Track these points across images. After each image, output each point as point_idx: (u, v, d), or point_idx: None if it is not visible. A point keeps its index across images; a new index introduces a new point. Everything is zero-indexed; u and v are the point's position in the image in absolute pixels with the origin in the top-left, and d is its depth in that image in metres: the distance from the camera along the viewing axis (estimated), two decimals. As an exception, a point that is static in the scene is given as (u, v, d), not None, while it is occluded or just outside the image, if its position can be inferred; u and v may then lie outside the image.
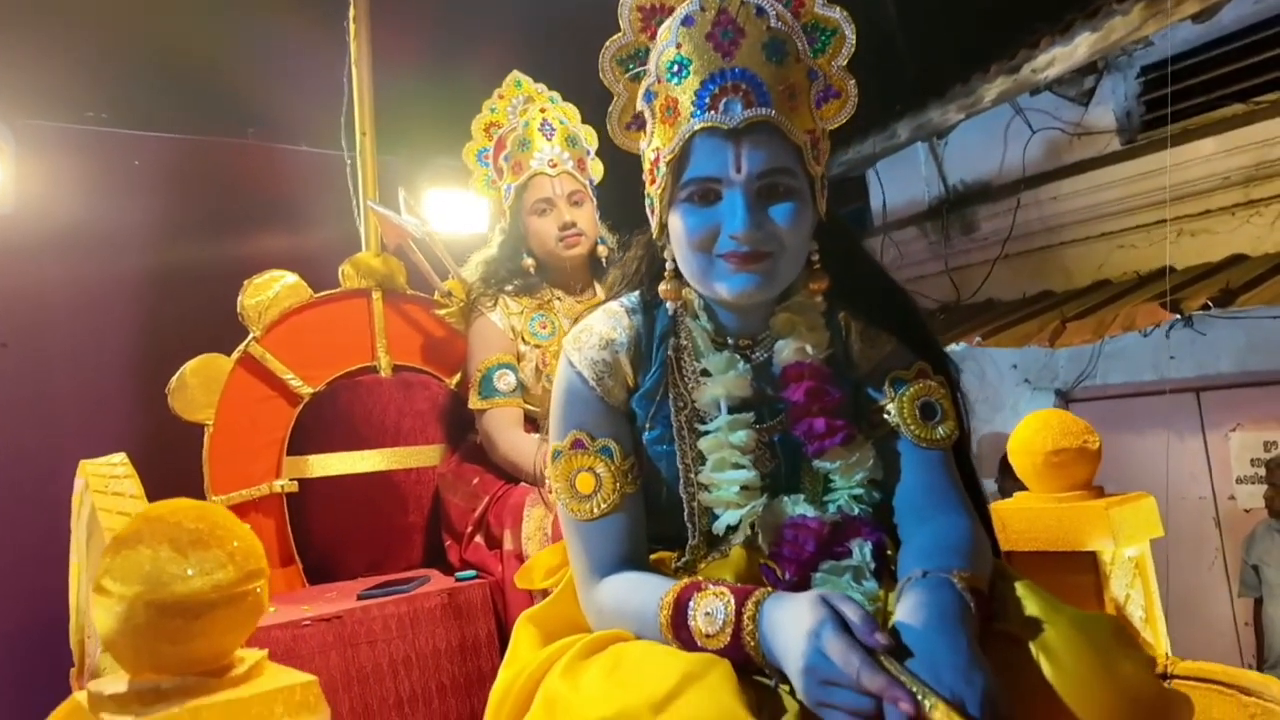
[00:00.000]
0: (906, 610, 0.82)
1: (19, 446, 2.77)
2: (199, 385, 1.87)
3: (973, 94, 4.19)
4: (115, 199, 3.11)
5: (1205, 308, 3.23)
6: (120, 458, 1.43)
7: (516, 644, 1.05)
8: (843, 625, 0.77)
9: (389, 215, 2.01)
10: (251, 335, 1.94)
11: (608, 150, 2.16)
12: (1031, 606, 0.89)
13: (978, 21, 4.08)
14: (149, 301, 2.92)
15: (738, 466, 1.04)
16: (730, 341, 1.10)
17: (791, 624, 0.81)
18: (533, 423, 1.96)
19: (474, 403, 1.90)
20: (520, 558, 1.67)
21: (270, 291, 1.97)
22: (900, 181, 5.20)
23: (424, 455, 2.07)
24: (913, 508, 1.03)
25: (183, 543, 0.70)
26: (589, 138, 2.13)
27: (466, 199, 3.85)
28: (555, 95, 2.19)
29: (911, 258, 5.32)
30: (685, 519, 1.06)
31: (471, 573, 1.73)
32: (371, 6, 2.22)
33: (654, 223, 1.08)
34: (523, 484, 1.82)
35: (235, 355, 1.92)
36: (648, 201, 1.09)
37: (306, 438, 1.97)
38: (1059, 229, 4.71)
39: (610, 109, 1.15)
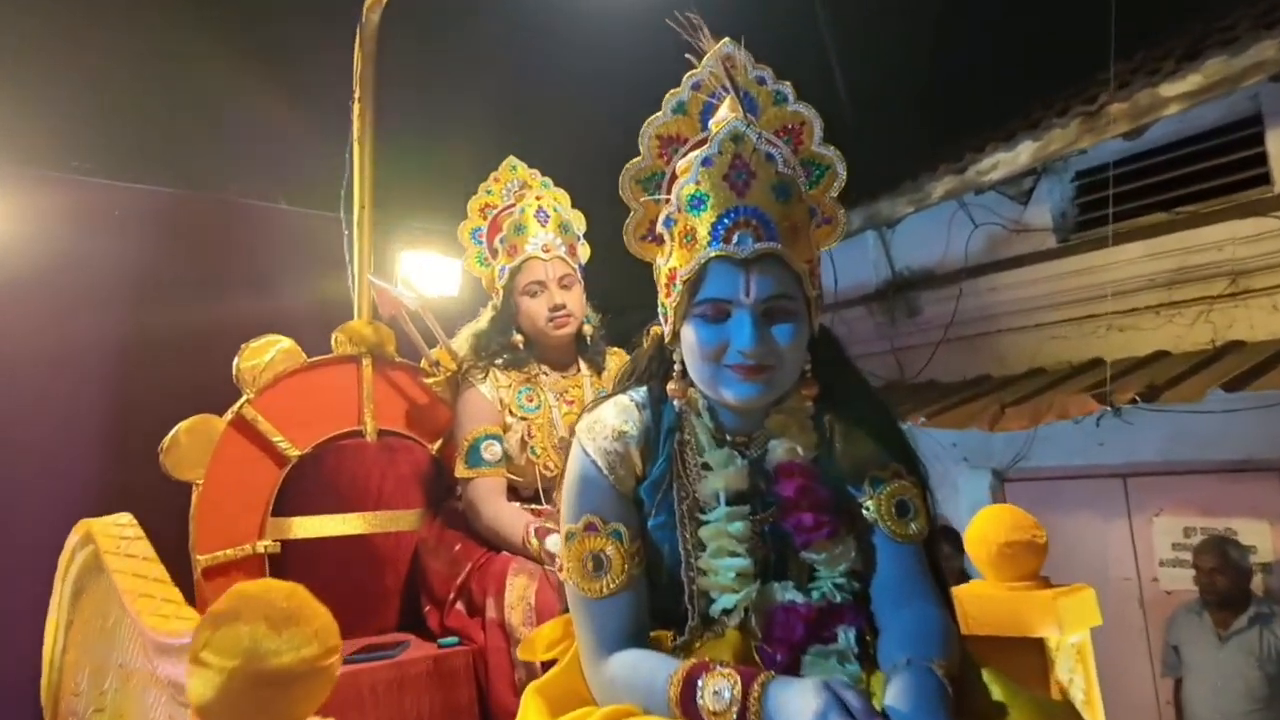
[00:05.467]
0: (895, 695, 0.94)
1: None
2: (192, 444, 1.92)
3: (921, 190, 4.47)
4: (96, 250, 3.11)
5: (1133, 402, 3.47)
6: (127, 518, 1.48)
7: (526, 713, 1.14)
8: (844, 709, 0.89)
9: (386, 287, 2.10)
10: (245, 397, 2.00)
11: (594, 232, 2.31)
12: (997, 692, 1.01)
13: (929, 123, 4.38)
14: (127, 358, 2.90)
15: (734, 554, 1.15)
16: (729, 438, 1.22)
17: (797, 706, 0.92)
18: (514, 491, 2.05)
19: (460, 471, 1.98)
20: (503, 626, 1.74)
21: (266, 356, 2.04)
22: (851, 264, 5.46)
23: (404, 519, 2.13)
24: (890, 597, 1.15)
25: (276, 619, 0.78)
26: (578, 221, 2.26)
27: (438, 262, 3.98)
28: (548, 180, 2.33)
29: (859, 336, 5.56)
30: (685, 601, 1.17)
31: (454, 639, 1.79)
32: (374, 87, 2.35)
33: (667, 330, 1.21)
34: (504, 552, 1.90)
35: (228, 416, 1.98)
36: (661, 310, 1.21)
37: (291, 499, 2.02)
38: (996, 317, 5.00)
39: (627, 221, 1.29)
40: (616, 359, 2.24)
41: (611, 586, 1.15)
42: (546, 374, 2.13)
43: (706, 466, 1.20)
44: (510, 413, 2.05)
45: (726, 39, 1.23)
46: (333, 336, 2.18)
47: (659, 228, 1.20)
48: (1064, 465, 4.74)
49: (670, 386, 1.22)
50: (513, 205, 2.22)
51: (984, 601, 1.47)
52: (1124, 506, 4.59)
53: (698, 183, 1.13)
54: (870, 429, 1.25)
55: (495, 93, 3.24)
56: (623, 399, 1.27)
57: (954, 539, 4.17)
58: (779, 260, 1.11)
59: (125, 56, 2.93)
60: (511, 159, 2.31)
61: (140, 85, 3.05)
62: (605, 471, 1.19)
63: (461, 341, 2.18)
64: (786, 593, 1.15)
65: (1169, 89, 3.52)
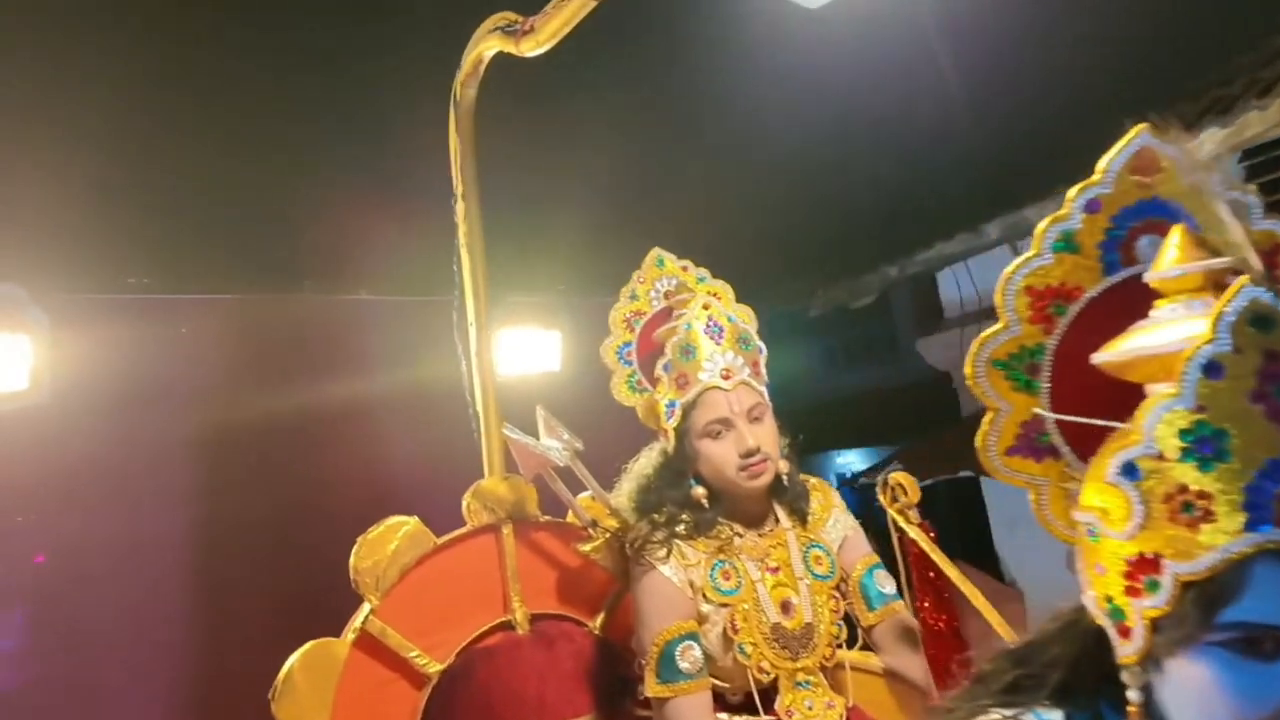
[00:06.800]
0: None
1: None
2: (309, 685, 1.48)
3: (1076, 194, 3.88)
4: (162, 372, 2.77)
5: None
6: None
7: None
8: None
9: (527, 442, 1.64)
10: (368, 608, 1.56)
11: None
12: None
13: (1079, 118, 3.78)
14: (206, 498, 2.54)
15: None
16: None
17: None
18: (719, 699, 1.57)
19: (653, 689, 1.51)
20: None
21: (388, 547, 1.59)
22: (989, 279, 4.89)
23: (574, 732, 1.66)
24: None
25: None
26: (746, 320, 1.77)
27: (537, 337, 3.54)
28: (704, 273, 1.86)
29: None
30: None
31: None
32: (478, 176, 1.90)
33: (1126, 648, 0.69)
34: (726, 802, 1.42)
35: (349, 635, 1.54)
36: (1107, 609, 0.71)
37: (437, 731, 1.57)
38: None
39: (986, 427, 0.81)
40: (820, 495, 1.75)
41: None
42: (740, 534, 1.63)
43: None
44: (705, 598, 1.57)
45: (1202, 134, 0.73)
46: (463, 503, 1.73)
47: (1114, 478, 0.69)
48: None
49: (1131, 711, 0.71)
50: (666, 313, 1.76)
51: None
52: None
53: (1200, 408, 0.63)
54: None
55: (589, 149, 2.79)
56: None
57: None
58: None
59: (174, 159, 2.52)
60: (657, 252, 1.84)
61: (192, 185, 2.66)
62: None
63: (623, 497, 1.70)
64: None
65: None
